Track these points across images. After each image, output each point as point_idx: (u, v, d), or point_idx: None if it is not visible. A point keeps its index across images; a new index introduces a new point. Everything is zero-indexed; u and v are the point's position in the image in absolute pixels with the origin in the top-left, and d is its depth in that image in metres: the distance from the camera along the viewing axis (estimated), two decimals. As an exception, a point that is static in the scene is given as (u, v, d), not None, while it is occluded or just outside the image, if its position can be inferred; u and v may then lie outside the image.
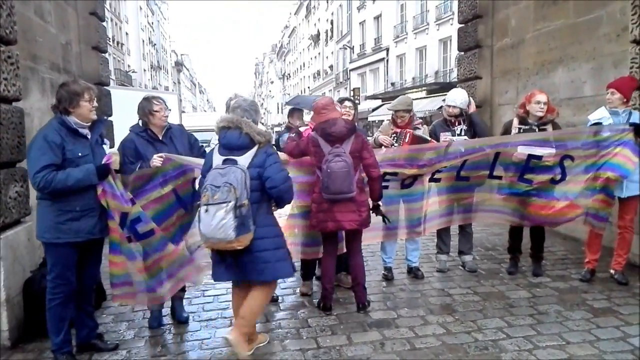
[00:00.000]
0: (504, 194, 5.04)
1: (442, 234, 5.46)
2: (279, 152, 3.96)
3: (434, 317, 4.22)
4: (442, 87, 23.85)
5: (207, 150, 4.02)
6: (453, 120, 5.18)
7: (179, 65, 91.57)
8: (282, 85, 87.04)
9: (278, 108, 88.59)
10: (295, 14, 71.41)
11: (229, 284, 4.82)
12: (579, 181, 4.78)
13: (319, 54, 55.65)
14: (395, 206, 4.97)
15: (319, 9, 54.71)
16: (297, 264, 4.36)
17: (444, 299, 4.66)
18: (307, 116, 5.52)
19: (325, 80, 52.13)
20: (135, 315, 4.38)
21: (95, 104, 3.50)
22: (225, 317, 4.38)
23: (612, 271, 4.94)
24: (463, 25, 9.34)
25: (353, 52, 41.30)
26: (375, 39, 37.55)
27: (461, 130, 5.12)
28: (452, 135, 5.06)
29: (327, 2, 50.46)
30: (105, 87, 8.11)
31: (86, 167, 3.35)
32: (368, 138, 4.85)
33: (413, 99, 5.67)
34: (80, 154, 3.38)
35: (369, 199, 4.35)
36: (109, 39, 29.18)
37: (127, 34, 48.13)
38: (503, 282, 5.07)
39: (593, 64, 6.40)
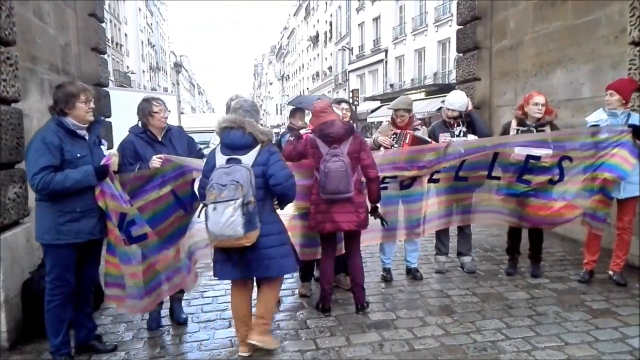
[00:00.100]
0: (502, 194, 5.05)
1: (441, 235, 5.46)
2: None
3: (432, 318, 4.23)
4: (440, 89, 23.89)
5: (206, 152, 4.03)
6: (452, 122, 5.19)
7: (177, 67, 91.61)
8: (281, 87, 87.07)
9: (277, 109, 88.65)
10: (294, 15, 71.49)
11: (227, 286, 4.82)
12: (577, 182, 4.78)
13: (318, 55, 55.70)
14: (394, 207, 4.98)
15: (318, 10, 54.79)
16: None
17: (442, 300, 4.67)
18: (309, 116, 5.51)
19: (324, 81, 52.16)
20: (134, 317, 4.37)
21: (92, 105, 3.49)
22: (224, 319, 4.38)
23: (610, 272, 4.95)
24: (462, 26, 9.35)
25: (352, 54, 41.35)
26: (374, 41, 37.61)
27: (460, 131, 5.12)
28: (451, 137, 5.07)
29: (326, 4, 50.54)
30: (104, 89, 8.10)
31: (84, 168, 3.35)
32: (366, 139, 4.86)
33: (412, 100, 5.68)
34: (78, 155, 3.38)
35: (367, 201, 4.36)
36: (108, 40, 29.14)
37: (126, 35, 48.15)
38: (502, 283, 5.07)
39: (591, 65, 6.41)
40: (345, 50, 42.41)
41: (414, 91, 27.04)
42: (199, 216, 3.73)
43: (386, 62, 35.21)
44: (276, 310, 4.23)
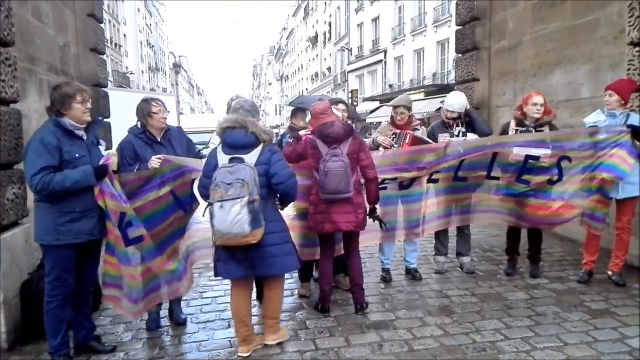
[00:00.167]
0: (501, 194, 5.05)
1: (440, 236, 5.46)
2: None
3: (432, 319, 4.23)
4: (439, 89, 23.92)
5: (205, 152, 4.03)
6: (451, 122, 5.19)
7: (176, 67, 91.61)
8: (280, 87, 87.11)
9: (276, 109, 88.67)
10: (293, 16, 71.52)
11: (226, 286, 4.83)
12: (576, 182, 4.79)
13: (317, 55, 55.72)
14: (394, 207, 4.98)
15: (317, 10, 54.81)
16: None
17: (442, 301, 4.67)
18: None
19: (323, 82, 52.18)
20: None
21: (89, 105, 3.48)
22: (223, 319, 4.37)
23: (609, 272, 4.95)
24: (460, 27, 9.35)
25: (351, 54, 41.38)
26: (373, 41, 37.63)
27: (459, 132, 5.12)
28: (451, 137, 5.07)
29: (325, 4, 50.57)
30: (103, 89, 8.09)
31: (83, 168, 3.34)
32: (365, 139, 4.85)
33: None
34: (77, 155, 3.37)
35: (366, 202, 4.36)
36: (107, 40, 29.13)
37: (125, 35, 48.13)
38: (501, 283, 5.08)
39: (590, 66, 6.42)
40: (344, 50, 42.43)
41: (413, 91, 27.00)
42: (203, 215, 3.75)
43: (385, 62, 35.23)
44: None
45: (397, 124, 5.08)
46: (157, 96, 5.16)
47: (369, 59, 37.96)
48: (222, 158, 3.52)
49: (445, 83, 24.84)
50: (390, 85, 33.78)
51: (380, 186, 4.49)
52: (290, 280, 5.20)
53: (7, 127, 4.08)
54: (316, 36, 55.18)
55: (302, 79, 65.72)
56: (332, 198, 4.06)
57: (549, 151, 4.71)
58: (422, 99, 25.36)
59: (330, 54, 49.80)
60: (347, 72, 42.56)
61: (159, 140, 4.02)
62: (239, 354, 3.65)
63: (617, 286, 4.81)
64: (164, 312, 4.34)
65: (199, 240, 4.30)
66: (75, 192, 3.31)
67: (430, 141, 5.07)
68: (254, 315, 4.03)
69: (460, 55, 9.53)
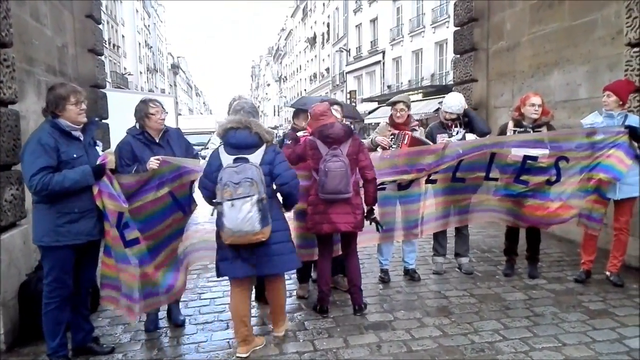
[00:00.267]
0: (499, 195, 5.05)
1: (439, 236, 5.47)
2: None
3: (430, 319, 4.23)
4: (438, 90, 23.92)
5: (203, 153, 4.04)
6: (450, 123, 5.20)
7: (175, 68, 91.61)
8: (279, 88, 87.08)
9: (274, 110, 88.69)
10: (291, 17, 71.52)
11: (225, 287, 4.83)
12: (573, 182, 4.80)
13: (316, 56, 55.72)
14: (392, 207, 4.98)
15: (316, 11, 54.82)
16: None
17: (440, 301, 4.67)
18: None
19: (322, 82, 52.18)
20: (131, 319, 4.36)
21: (84, 106, 3.48)
22: (222, 320, 4.37)
23: (607, 273, 4.96)
24: (459, 28, 9.37)
25: (349, 55, 41.39)
26: (371, 42, 37.63)
27: (458, 132, 5.13)
28: (449, 137, 5.08)
29: (324, 5, 50.57)
30: (101, 90, 8.09)
31: (82, 168, 3.34)
32: (363, 140, 4.86)
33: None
34: (75, 155, 3.37)
35: (364, 203, 4.36)
36: (105, 41, 29.09)
37: (123, 36, 48.11)
38: (499, 284, 5.08)
39: (588, 66, 6.43)
40: (342, 51, 42.44)
41: (411, 92, 26.99)
42: (212, 214, 3.79)
43: (383, 63, 35.23)
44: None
45: (396, 121, 5.07)
46: (155, 97, 5.15)
47: (367, 60, 37.97)
48: (226, 158, 3.55)
49: (444, 84, 24.83)
50: (389, 86, 33.79)
51: (379, 187, 4.50)
52: (289, 281, 5.19)
53: (6, 128, 4.07)
54: (315, 37, 55.19)
55: (300, 80, 65.72)
56: (332, 198, 4.07)
57: (547, 151, 4.72)
58: (421, 100, 25.37)
59: (328, 55, 49.81)
60: (346, 73, 42.57)
61: (157, 141, 4.01)
62: (237, 354, 3.65)
63: (615, 287, 4.81)
64: (162, 314, 4.33)
65: (197, 242, 4.30)
66: (73, 192, 3.31)
67: (429, 142, 5.08)
68: (252, 317, 4.03)
69: (458, 56, 9.54)
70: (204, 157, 4.96)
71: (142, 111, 3.96)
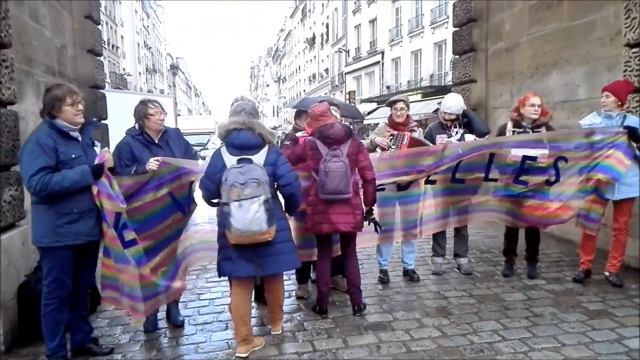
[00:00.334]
0: (499, 195, 5.06)
1: (438, 237, 5.47)
2: None
3: (429, 320, 4.23)
4: (437, 90, 23.91)
5: (203, 153, 4.05)
6: (449, 124, 5.20)
7: (174, 69, 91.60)
8: (278, 89, 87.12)
9: (274, 111, 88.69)
10: (290, 17, 71.56)
11: (224, 288, 4.84)
12: (572, 183, 4.80)
13: (315, 57, 55.73)
14: (392, 208, 4.98)
15: (315, 12, 54.83)
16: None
17: (439, 302, 4.67)
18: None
19: (321, 83, 52.19)
20: (130, 319, 4.35)
21: (81, 107, 3.47)
22: (221, 321, 4.37)
23: (607, 273, 4.96)
24: (458, 28, 9.38)
25: (348, 56, 41.40)
26: (370, 42, 37.65)
27: (457, 133, 5.13)
28: (448, 138, 5.08)
29: (323, 6, 50.59)
30: (100, 91, 8.09)
31: (81, 168, 3.34)
32: (362, 140, 4.86)
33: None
34: (73, 156, 3.37)
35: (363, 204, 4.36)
36: (104, 42, 29.15)
37: (122, 37, 48.11)
38: (498, 284, 5.08)
39: (587, 67, 6.44)
40: (341, 52, 42.46)
41: (410, 93, 27.01)
42: (217, 215, 3.81)
43: (382, 63, 35.25)
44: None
45: (396, 121, 5.07)
46: (154, 98, 5.16)
47: (366, 61, 37.98)
48: (229, 159, 3.57)
49: (443, 84, 24.83)
50: (388, 87, 33.80)
51: (378, 187, 4.50)
52: (288, 282, 5.19)
53: (5, 128, 4.08)
54: (314, 38, 55.21)
55: (299, 80, 65.73)
56: (332, 198, 4.07)
57: (546, 151, 4.73)
58: (420, 101, 25.38)
59: (327, 56, 49.82)
60: (345, 74, 42.57)
61: (156, 142, 4.01)
62: (237, 354, 3.65)
63: (614, 287, 4.81)
64: (161, 314, 4.33)
65: (197, 242, 4.30)
66: (72, 193, 3.31)
67: (428, 142, 5.08)
68: (252, 317, 4.03)
69: (457, 56, 9.55)
70: (203, 158, 4.97)
71: (141, 112, 3.96)
